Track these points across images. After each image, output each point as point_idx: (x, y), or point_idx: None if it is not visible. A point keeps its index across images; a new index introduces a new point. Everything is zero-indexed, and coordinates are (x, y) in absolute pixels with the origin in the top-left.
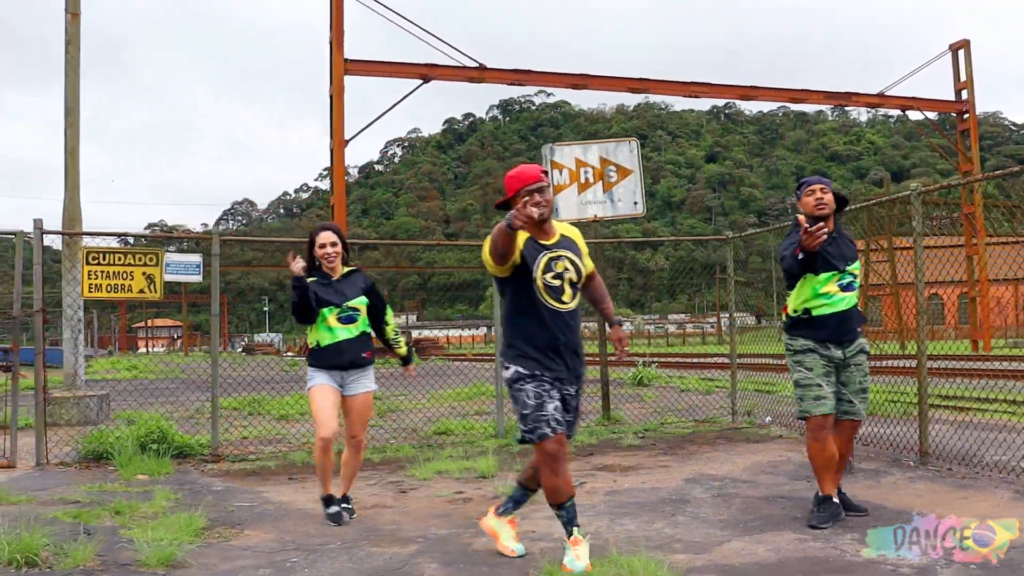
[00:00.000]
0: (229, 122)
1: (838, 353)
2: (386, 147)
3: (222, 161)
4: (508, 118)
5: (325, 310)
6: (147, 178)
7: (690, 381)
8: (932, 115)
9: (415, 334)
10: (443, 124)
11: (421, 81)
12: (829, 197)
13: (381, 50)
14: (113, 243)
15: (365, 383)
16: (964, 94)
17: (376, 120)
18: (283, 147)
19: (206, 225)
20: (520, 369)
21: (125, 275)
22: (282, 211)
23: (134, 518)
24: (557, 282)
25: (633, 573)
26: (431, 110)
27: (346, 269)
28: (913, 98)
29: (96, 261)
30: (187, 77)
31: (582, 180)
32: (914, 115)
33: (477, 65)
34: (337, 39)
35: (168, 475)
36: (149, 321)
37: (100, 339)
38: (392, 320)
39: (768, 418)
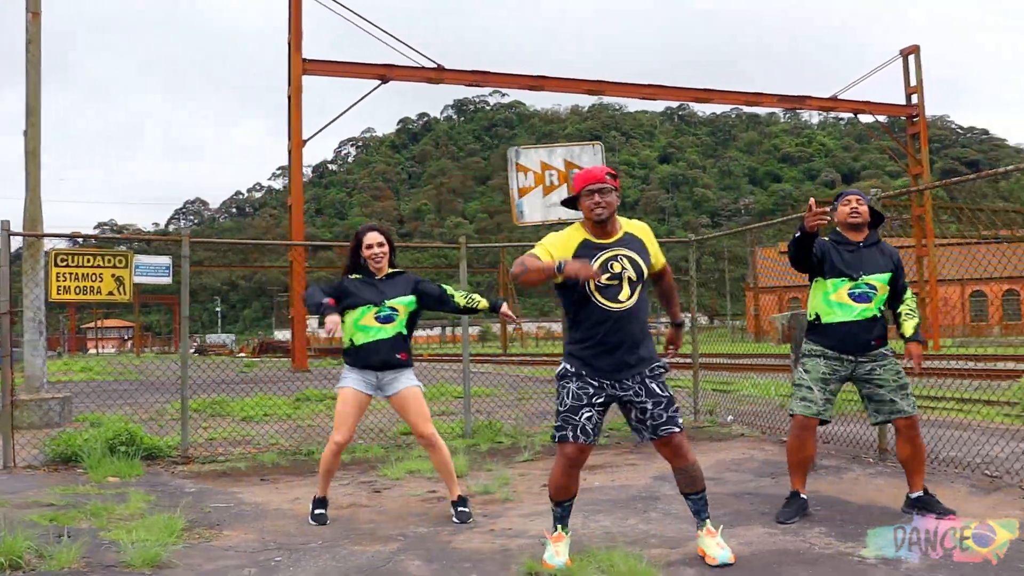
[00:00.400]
0: (177, 123)
1: (851, 359)
2: (340, 147)
3: (171, 161)
4: (463, 118)
5: (363, 308)
6: (95, 177)
7: None
8: (882, 118)
9: None
10: (397, 124)
11: (379, 81)
12: (864, 208)
13: (339, 51)
14: (61, 244)
15: (405, 380)
16: (914, 98)
17: (335, 120)
18: (233, 148)
19: (157, 224)
20: (567, 366)
21: (94, 277)
22: (234, 210)
23: (112, 520)
24: (614, 282)
25: (614, 567)
26: (385, 110)
27: (391, 270)
28: (865, 102)
29: (64, 263)
30: (134, 78)
31: (547, 183)
32: (865, 118)
33: (436, 66)
34: (296, 39)
35: (139, 477)
36: (99, 322)
37: (48, 340)
38: (456, 290)
39: (730, 417)
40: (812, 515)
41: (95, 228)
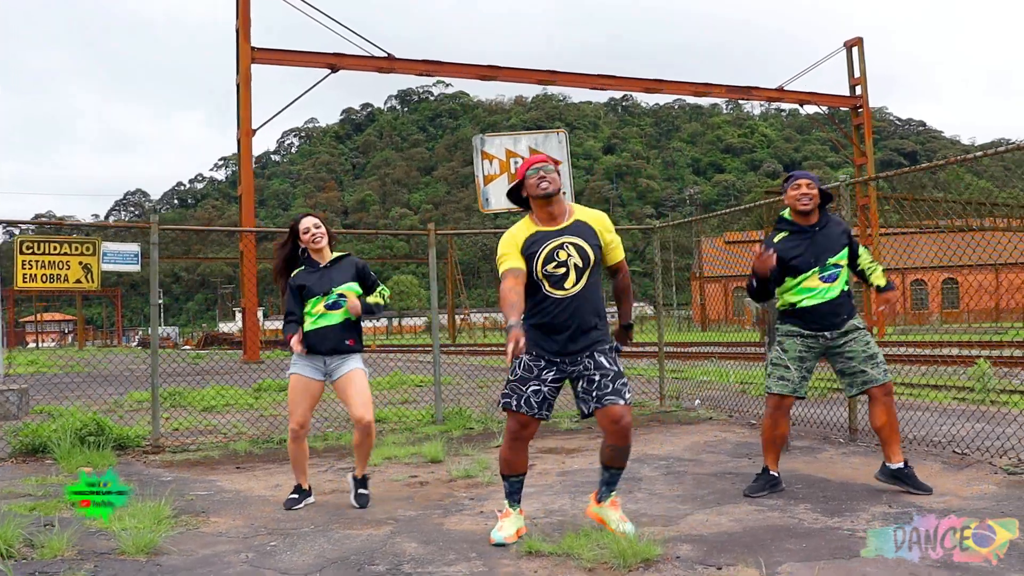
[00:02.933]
0: (112, 115)
1: (827, 335)
2: (283, 137)
3: (109, 153)
4: (407, 109)
5: (313, 299)
6: (29, 170)
7: None
8: (826, 109)
9: None
10: (341, 114)
11: (329, 71)
12: (814, 192)
13: (288, 41)
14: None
15: (350, 363)
16: (858, 89)
17: (285, 109)
18: (173, 139)
19: (97, 216)
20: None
21: (61, 265)
22: (176, 202)
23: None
24: (560, 270)
25: (616, 543)
26: (329, 100)
27: (335, 255)
28: (811, 93)
29: (31, 251)
30: (68, 68)
31: (512, 170)
32: (810, 109)
33: (386, 55)
34: (244, 27)
35: (112, 467)
36: (38, 315)
37: None
38: (381, 293)
39: (696, 401)
40: (794, 493)
41: (33, 219)
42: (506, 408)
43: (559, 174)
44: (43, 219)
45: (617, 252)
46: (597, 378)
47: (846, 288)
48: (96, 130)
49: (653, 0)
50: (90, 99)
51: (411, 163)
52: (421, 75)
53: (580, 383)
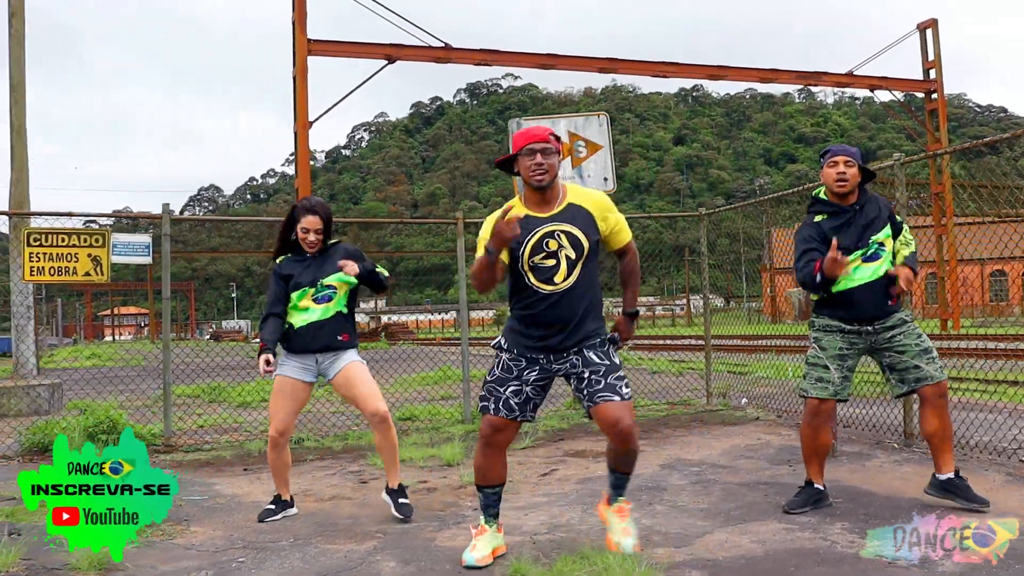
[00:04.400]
0: (187, 112)
1: (869, 329)
2: (353, 131)
3: (182, 151)
4: (476, 101)
5: (299, 291)
6: (109, 168)
7: (660, 363)
8: (899, 95)
9: (384, 319)
10: (410, 108)
11: (386, 61)
12: (853, 172)
13: (345, 32)
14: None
15: (345, 357)
16: (932, 73)
17: (341, 101)
18: (245, 135)
19: (172, 212)
20: (502, 339)
21: (69, 257)
22: (249, 196)
23: None
24: (550, 262)
25: (608, 571)
26: (398, 94)
27: (328, 242)
28: (882, 78)
29: (38, 243)
30: (139, 69)
31: None
32: (882, 95)
33: (443, 45)
34: (300, 19)
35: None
36: (116, 309)
37: (65, 328)
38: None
39: (744, 400)
40: (832, 508)
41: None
42: (483, 412)
43: (560, 154)
44: (120, 213)
45: (622, 235)
46: (587, 375)
47: (890, 269)
48: (164, 128)
49: None
50: (155, 98)
51: (480, 156)
52: (479, 64)
53: (572, 382)
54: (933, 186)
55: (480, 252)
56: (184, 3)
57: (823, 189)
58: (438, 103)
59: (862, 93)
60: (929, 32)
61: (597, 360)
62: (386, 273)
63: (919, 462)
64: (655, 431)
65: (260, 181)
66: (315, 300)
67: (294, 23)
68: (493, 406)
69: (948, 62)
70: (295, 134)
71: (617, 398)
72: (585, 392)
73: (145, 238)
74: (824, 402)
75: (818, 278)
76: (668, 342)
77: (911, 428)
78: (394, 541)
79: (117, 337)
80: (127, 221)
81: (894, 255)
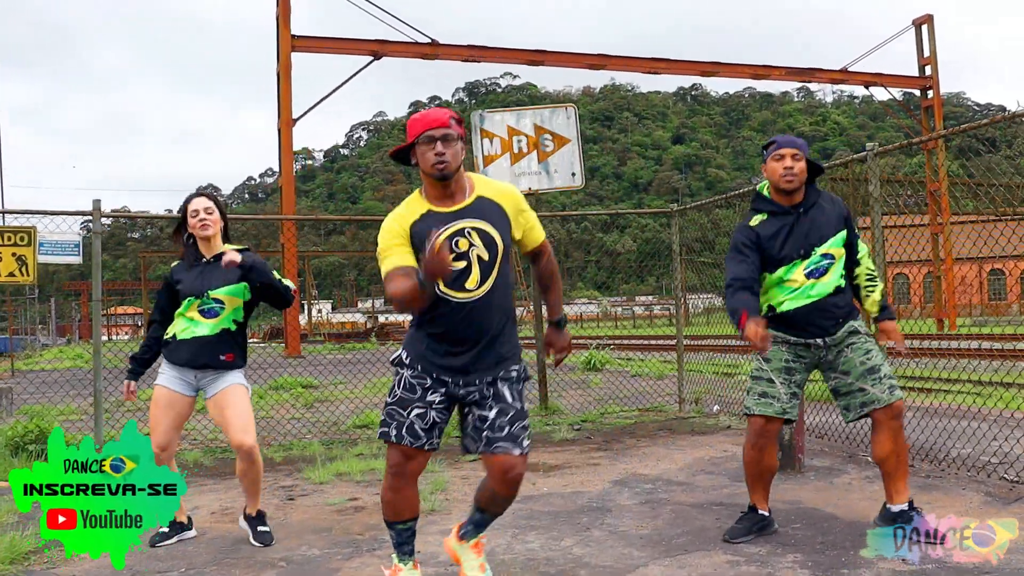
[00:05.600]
0: (182, 112)
1: (820, 343)
2: (351, 131)
3: (179, 151)
4: (474, 101)
5: (186, 301)
6: (108, 167)
7: (649, 364)
8: (896, 93)
9: (381, 319)
10: (409, 107)
11: (372, 58)
12: (801, 166)
13: (331, 29)
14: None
15: (228, 378)
16: (928, 70)
17: (325, 98)
18: (245, 134)
19: (171, 211)
20: (403, 353)
21: None
22: (247, 196)
23: None
24: (460, 264)
25: None
26: (397, 94)
27: (227, 247)
28: (877, 74)
29: None
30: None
31: (515, 150)
32: (879, 94)
33: (430, 41)
34: (284, 15)
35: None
36: (112, 309)
37: (60, 327)
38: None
39: (716, 407)
40: (787, 536)
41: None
42: (384, 439)
43: (464, 141)
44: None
45: (536, 233)
46: (492, 415)
47: (841, 284)
48: (163, 127)
49: None
50: (154, 97)
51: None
52: (467, 60)
53: (471, 415)
54: (929, 184)
55: (385, 265)
56: (183, 2)
57: (767, 185)
58: (437, 102)
59: (861, 92)
60: (925, 28)
61: (509, 400)
62: (290, 284)
63: None
64: (617, 441)
65: (259, 180)
66: (201, 313)
67: (278, 19)
68: (395, 432)
69: (946, 61)
70: (279, 131)
71: (517, 451)
72: (484, 435)
73: (73, 237)
74: (770, 420)
75: (740, 333)
76: (661, 343)
77: None
78: (294, 571)
79: (113, 337)
80: (59, 217)
81: (858, 289)
